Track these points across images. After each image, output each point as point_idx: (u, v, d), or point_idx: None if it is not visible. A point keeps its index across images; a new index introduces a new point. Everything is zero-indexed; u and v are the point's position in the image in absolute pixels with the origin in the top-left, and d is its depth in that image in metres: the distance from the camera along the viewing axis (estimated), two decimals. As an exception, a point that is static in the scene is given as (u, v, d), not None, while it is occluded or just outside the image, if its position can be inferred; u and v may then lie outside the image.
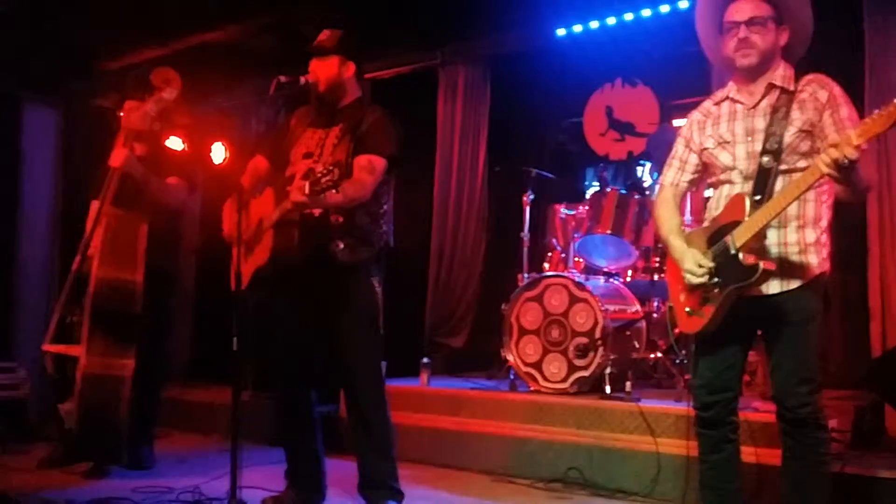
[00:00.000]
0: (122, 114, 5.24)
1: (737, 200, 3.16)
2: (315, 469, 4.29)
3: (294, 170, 4.09)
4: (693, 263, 3.20)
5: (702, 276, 3.17)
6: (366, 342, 4.12)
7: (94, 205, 5.13)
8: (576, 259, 6.05)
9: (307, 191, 3.57)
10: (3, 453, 5.51)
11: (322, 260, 3.97)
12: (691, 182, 3.49)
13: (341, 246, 3.97)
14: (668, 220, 3.45)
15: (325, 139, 4.10)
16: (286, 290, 4.15)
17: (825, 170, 2.80)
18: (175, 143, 5.23)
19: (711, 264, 3.16)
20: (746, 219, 3.07)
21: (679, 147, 3.50)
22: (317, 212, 3.89)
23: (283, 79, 3.96)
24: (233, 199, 3.99)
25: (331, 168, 3.53)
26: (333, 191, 3.55)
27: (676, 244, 3.34)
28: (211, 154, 6.88)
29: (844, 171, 2.80)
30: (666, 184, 3.52)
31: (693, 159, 3.45)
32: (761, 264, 3.02)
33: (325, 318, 4.10)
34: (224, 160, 6.86)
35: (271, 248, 3.93)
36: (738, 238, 3.08)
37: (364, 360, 4.13)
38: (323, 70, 4.09)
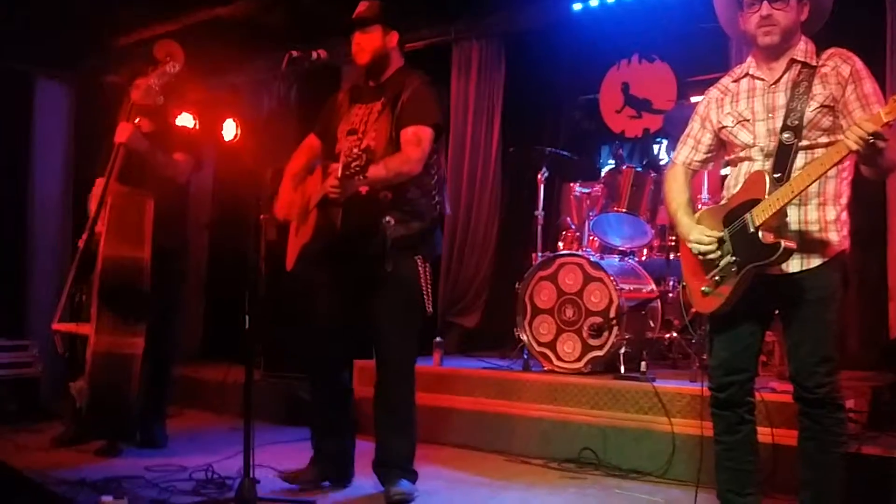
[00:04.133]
0: (133, 90, 5.20)
1: (756, 178, 3.10)
2: (345, 450, 4.30)
3: (340, 147, 4.05)
4: (699, 233, 3.18)
5: (709, 244, 3.13)
6: (401, 323, 4.06)
7: (99, 182, 5.11)
8: (590, 238, 5.99)
9: (339, 174, 3.60)
10: (16, 432, 5.53)
11: (368, 237, 3.90)
12: (704, 161, 3.46)
13: (392, 221, 3.86)
14: (677, 196, 3.42)
15: (368, 114, 4.06)
16: (327, 268, 4.11)
17: (854, 147, 2.75)
18: (186, 119, 5.18)
19: (719, 234, 3.13)
20: (767, 197, 3.01)
21: (694, 125, 3.45)
22: (363, 189, 3.74)
23: (295, 53, 3.94)
24: (288, 179, 3.98)
25: (359, 154, 3.55)
26: (360, 177, 3.55)
27: (683, 220, 3.32)
28: (222, 131, 6.85)
29: (873, 151, 2.74)
30: (678, 162, 3.49)
31: (707, 139, 3.40)
32: (783, 243, 2.96)
33: (364, 296, 4.04)
34: (235, 137, 6.83)
35: (314, 226, 3.91)
36: (757, 216, 3.02)
37: (397, 342, 4.07)
38: (368, 42, 4.04)
